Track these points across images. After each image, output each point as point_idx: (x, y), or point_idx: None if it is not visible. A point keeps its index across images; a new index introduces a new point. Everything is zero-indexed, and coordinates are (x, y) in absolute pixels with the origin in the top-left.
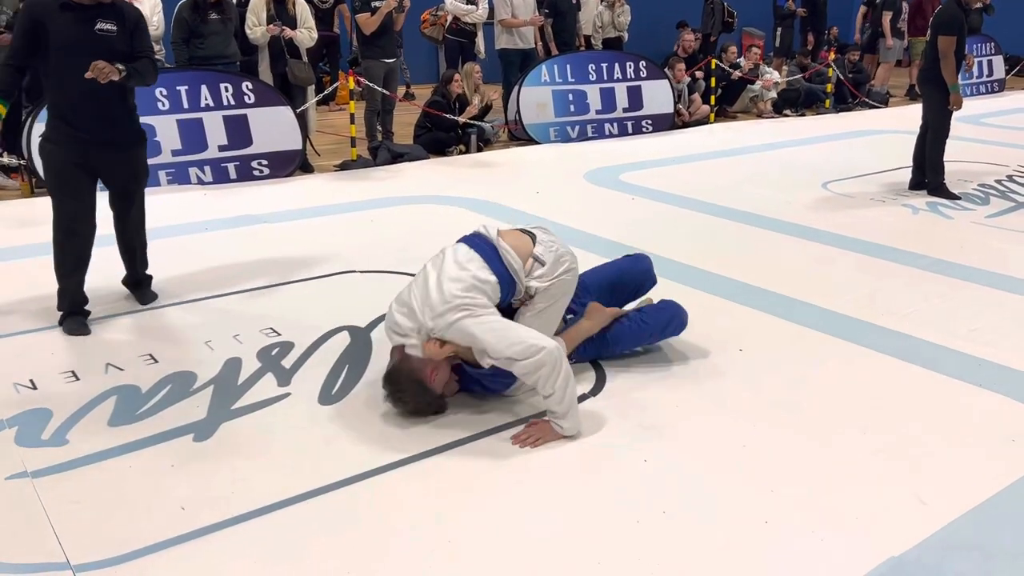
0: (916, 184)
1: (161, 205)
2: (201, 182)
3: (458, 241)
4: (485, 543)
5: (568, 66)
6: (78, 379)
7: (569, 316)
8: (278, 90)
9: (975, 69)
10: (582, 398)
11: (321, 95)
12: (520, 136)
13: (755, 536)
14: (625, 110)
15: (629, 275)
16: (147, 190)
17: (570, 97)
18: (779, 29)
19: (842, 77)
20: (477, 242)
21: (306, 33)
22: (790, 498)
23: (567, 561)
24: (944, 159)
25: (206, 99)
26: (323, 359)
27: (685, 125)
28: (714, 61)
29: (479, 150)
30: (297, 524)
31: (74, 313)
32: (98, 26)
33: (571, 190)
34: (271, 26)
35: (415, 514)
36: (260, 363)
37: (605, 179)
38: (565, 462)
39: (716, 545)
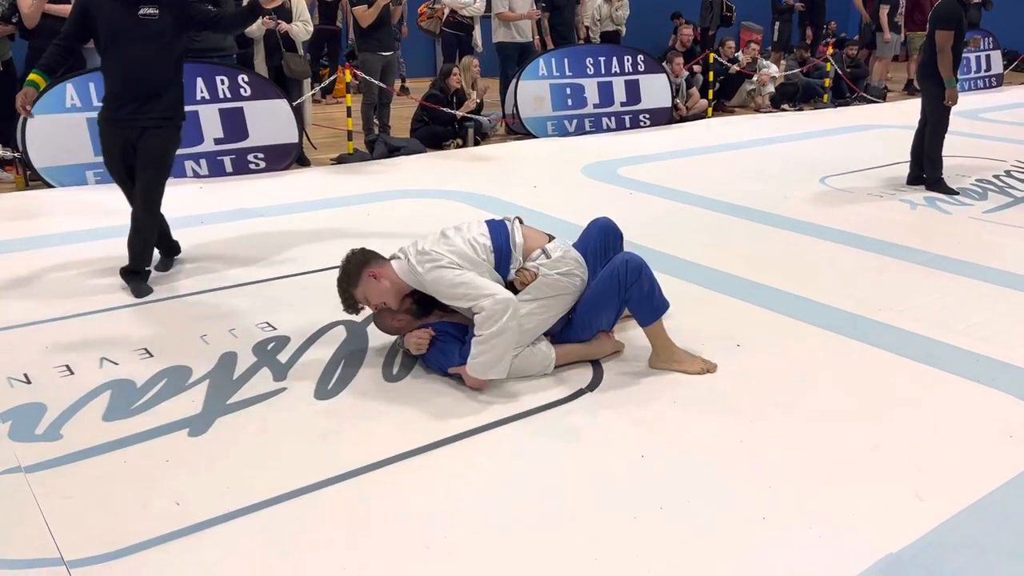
0: (914, 179)
1: None
2: (197, 175)
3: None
4: (481, 538)
5: (566, 60)
6: (72, 373)
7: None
8: (274, 83)
9: (973, 64)
10: (579, 393)
11: (318, 88)
12: (517, 130)
13: (752, 532)
14: (623, 104)
15: (600, 241)
16: None
17: (568, 91)
18: (777, 23)
19: (840, 72)
20: (494, 221)
21: (301, 26)
22: (787, 494)
23: (564, 557)
24: (943, 154)
25: (202, 92)
26: (319, 354)
27: (683, 119)
28: (712, 55)
29: (476, 144)
30: (293, 519)
31: (135, 272)
32: (141, 11)
33: (568, 184)
34: (266, 19)
35: (410, 509)
36: (256, 358)
37: (602, 173)
38: (561, 457)
39: (713, 541)
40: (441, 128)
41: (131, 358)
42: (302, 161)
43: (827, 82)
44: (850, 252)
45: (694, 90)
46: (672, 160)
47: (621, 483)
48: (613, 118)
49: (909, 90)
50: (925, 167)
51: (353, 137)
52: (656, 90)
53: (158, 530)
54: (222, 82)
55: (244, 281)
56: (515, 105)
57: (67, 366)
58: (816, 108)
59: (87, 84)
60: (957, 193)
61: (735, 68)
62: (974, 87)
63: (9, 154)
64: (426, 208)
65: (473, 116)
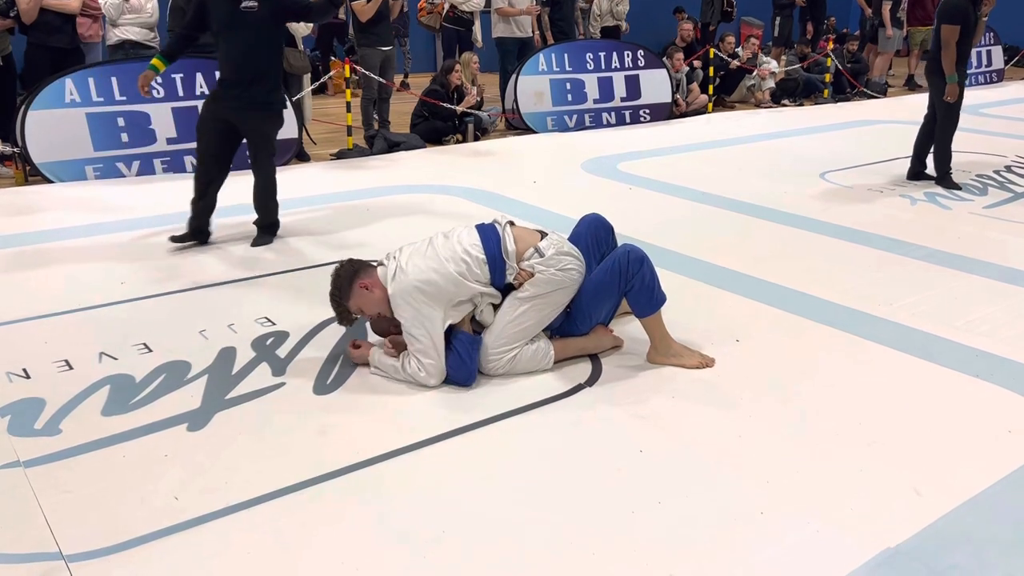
0: (915, 174)
1: (156, 193)
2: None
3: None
4: (479, 533)
5: (566, 55)
6: (72, 368)
7: (555, 326)
8: None
9: (974, 59)
10: (577, 388)
11: (317, 83)
12: (517, 125)
13: (750, 527)
14: (623, 99)
15: (590, 236)
16: (143, 177)
17: (568, 86)
18: (778, 18)
19: (841, 67)
20: (484, 226)
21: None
22: (785, 489)
23: (562, 551)
24: (952, 149)
25: (202, 87)
26: (318, 349)
27: (683, 115)
28: (712, 50)
29: (476, 139)
30: (291, 514)
31: (269, 225)
32: (243, 4)
33: (568, 179)
34: None
35: (409, 504)
36: (255, 353)
37: (602, 168)
38: (560, 452)
39: (711, 536)
40: (441, 123)
41: (130, 353)
42: (301, 156)
43: (827, 77)
44: (850, 247)
45: (694, 85)
46: (672, 156)
47: (619, 477)
48: (613, 113)
49: (910, 85)
50: (935, 161)
51: (353, 133)
52: (656, 85)
53: (157, 525)
54: None
55: (243, 276)
56: (515, 100)
57: (66, 361)
58: (817, 103)
59: (86, 79)
60: (960, 188)
61: (735, 63)
62: (975, 83)
63: (8, 149)
64: (426, 204)
65: (473, 111)
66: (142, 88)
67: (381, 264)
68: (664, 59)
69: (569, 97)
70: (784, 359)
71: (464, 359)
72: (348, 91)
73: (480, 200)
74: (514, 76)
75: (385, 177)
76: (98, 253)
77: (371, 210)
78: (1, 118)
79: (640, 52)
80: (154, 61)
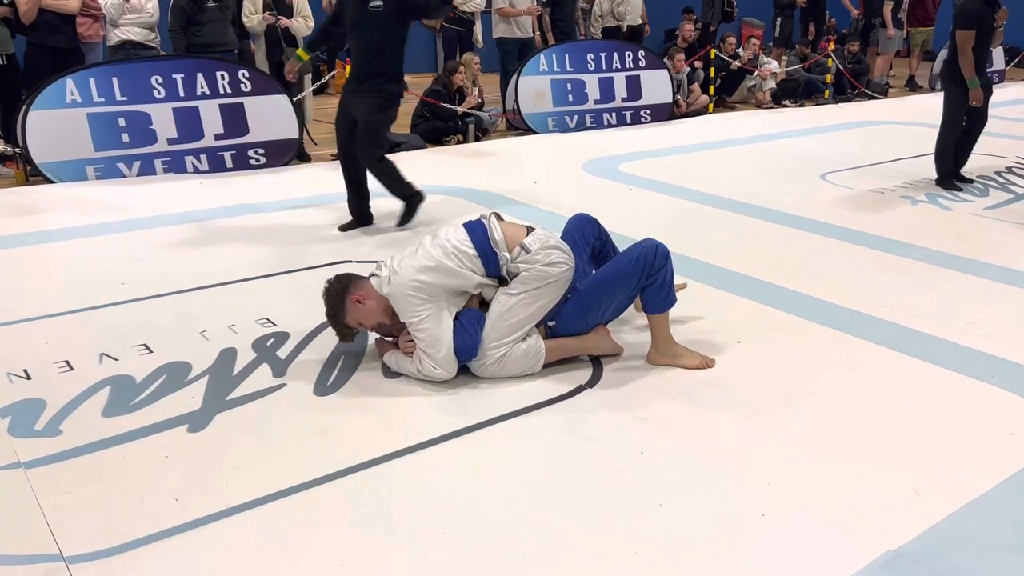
0: (947, 175)
1: (157, 194)
2: (197, 171)
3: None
4: (480, 534)
5: (567, 55)
6: (72, 369)
7: (552, 323)
8: (274, 79)
9: None
10: (578, 389)
11: (318, 83)
12: (518, 126)
13: (752, 529)
14: (624, 100)
15: (577, 232)
16: (143, 177)
17: (568, 87)
18: (779, 19)
19: (841, 68)
20: (472, 222)
21: (302, 22)
22: (787, 491)
23: (563, 553)
24: (949, 152)
25: (202, 87)
26: (318, 350)
27: (684, 115)
28: (713, 51)
29: (477, 140)
30: (292, 516)
31: (411, 196)
32: (371, 4)
33: (569, 180)
34: (266, 15)
35: (410, 505)
36: (255, 353)
37: (603, 169)
38: (561, 453)
39: (713, 538)
40: (442, 124)
41: (131, 354)
42: (302, 157)
43: (828, 78)
44: (851, 248)
45: (695, 86)
46: (673, 156)
47: (620, 479)
48: (614, 114)
49: (911, 86)
50: (935, 162)
51: None
52: (657, 86)
53: (157, 526)
54: (222, 77)
55: (244, 277)
56: (516, 101)
57: (67, 362)
58: (817, 104)
59: (87, 79)
60: (960, 190)
61: (736, 64)
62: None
63: (9, 149)
64: (426, 204)
65: (474, 112)
66: (289, 75)
67: (374, 275)
68: (665, 60)
69: (570, 97)
70: (785, 360)
71: (469, 332)
72: None
73: (480, 201)
74: (515, 76)
75: None
76: (98, 253)
77: (372, 210)
78: (3, 118)
79: (641, 53)
80: (299, 52)
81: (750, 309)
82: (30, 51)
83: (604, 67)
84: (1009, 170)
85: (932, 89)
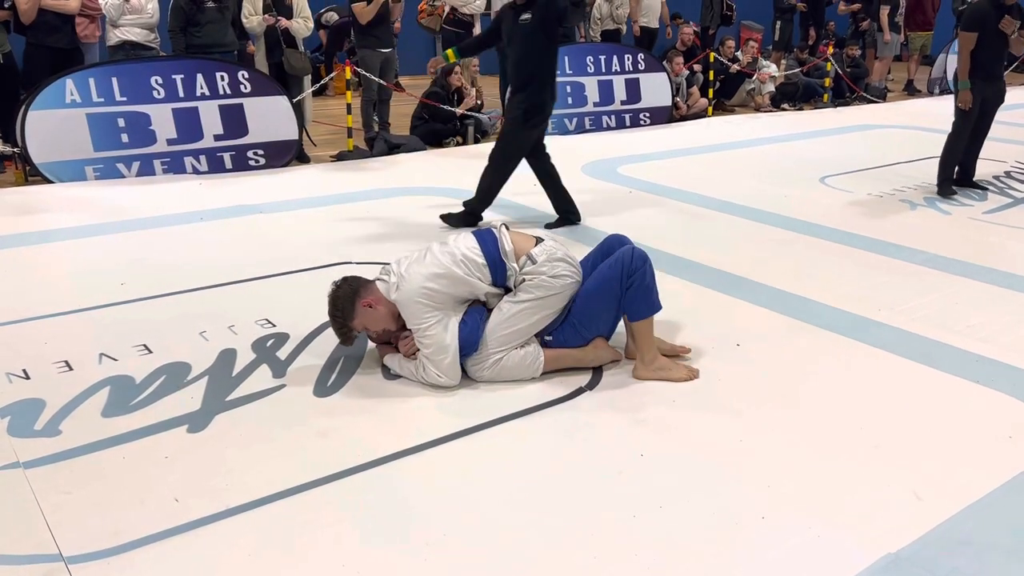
0: (958, 182)
1: (156, 194)
2: (196, 172)
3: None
4: (480, 536)
5: (566, 58)
6: (71, 369)
7: (548, 338)
8: (274, 80)
9: None
10: (578, 391)
11: (318, 84)
12: None
13: (751, 532)
14: (623, 103)
15: (602, 251)
16: (143, 178)
17: (568, 89)
18: (779, 23)
19: (840, 72)
20: (482, 231)
21: (302, 23)
22: (786, 494)
23: (563, 554)
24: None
25: (202, 88)
26: (318, 351)
27: (683, 118)
28: (712, 54)
29: (476, 141)
30: (291, 516)
31: (477, 208)
32: (521, 18)
33: (568, 183)
34: (266, 16)
35: (409, 506)
36: (255, 354)
37: (602, 172)
38: (561, 456)
39: (712, 540)
40: (441, 125)
41: (130, 354)
42: (302, 158)
43: (827, 82)
44: (850, 252)
45: (694, 89)
46: (672, 159)
47: (620, 481)
48: (613, 117)
49: (909, 90)
50: (938, 166)
51: (353, 134)
52: (656, 89)
53: (156, 526)
54: (222, 78)
55: (244, 278)
56: None
57: (66, 362)
58: (816, 108)
59: (87, 80)
60: (955, 193)
61: (735, 67)
62: None
63: (8, 150)
64: (426, 205)
65: (473, 114)
66: (431, 67)
67: (379, 279)
68: (664, 63)
69: (569, 100)
70: (784, 363)
71: (472, 327)
72: (348, 93)
73: None
74: None
75: (385, 179)
76: (98, 253)
77: (371, 212)
78: (2, 117)
79: (640, 56)
80: (448, 52)
81: (749, 312)
82: (29, 51)
83: (603, 70)
84: (1008, 175)
85: (931, 93)
